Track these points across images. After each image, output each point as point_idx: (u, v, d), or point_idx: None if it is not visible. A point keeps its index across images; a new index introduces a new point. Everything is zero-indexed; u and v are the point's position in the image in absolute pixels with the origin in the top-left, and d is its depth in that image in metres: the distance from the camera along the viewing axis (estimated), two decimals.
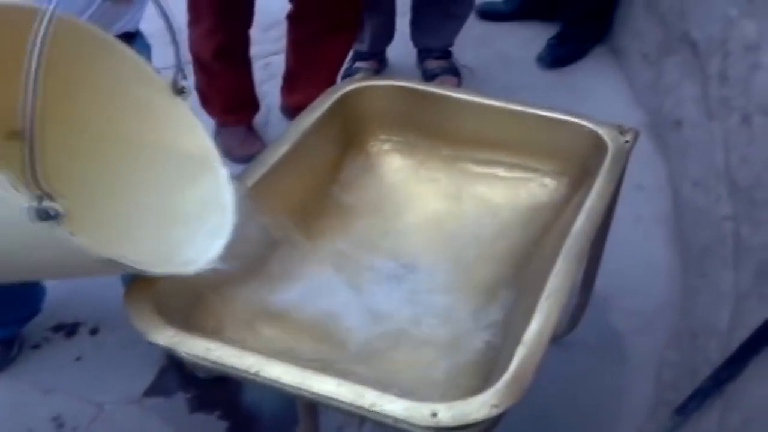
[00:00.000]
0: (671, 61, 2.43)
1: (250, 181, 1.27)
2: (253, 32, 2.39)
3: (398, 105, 1.51)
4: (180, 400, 1.79)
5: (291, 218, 1.35)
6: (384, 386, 1.04)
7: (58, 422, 1.75)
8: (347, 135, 1.51)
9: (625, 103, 2.67)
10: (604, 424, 1.70)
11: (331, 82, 2.39)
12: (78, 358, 1.90)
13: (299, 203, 1.39)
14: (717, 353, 1.43)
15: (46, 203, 0.82)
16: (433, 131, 1.51)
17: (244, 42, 2.36)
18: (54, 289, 1.97)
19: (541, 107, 1.44)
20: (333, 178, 1.47)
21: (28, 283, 1.72)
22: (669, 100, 2.40)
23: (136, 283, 1.05)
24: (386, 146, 1.53)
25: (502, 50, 3.02)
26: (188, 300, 1.13)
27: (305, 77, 2.43)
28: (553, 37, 2.95)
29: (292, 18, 2.38)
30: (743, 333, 1.31)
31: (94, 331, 1.95)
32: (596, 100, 2.68)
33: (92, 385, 1.83)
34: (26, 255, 0.95)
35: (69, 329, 1.96)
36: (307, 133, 1.39)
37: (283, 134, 1.39)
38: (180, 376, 1.81)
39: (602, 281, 1.74)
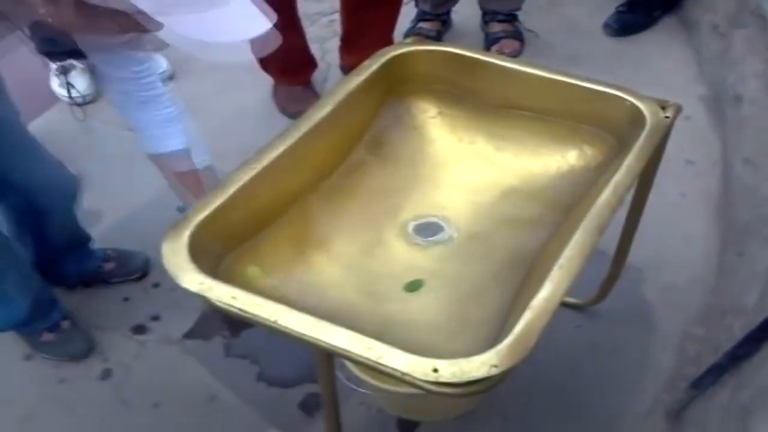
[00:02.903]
0: (740, 34, 2.38)
1: (294, 137, 1.33)
2: None
3: (444, 70, 1.54)
4: (217, 343, 1.90)
5: (330, 172, 1.43)
6: (398, 333, 1.14)
7: (103, 357, 1.89)
8: (392, 97, 1.55)
9: (689, 76, 2.64)
10: (623, 393, 1.73)
11: (386, 42, 2.43)
12: (126, 299, 2.02)
13: (339, 158, 1.45)
14: (741, 331, 1.44)
15: None
16: (477, 97, 1.54)
17: (292, 4, 2.39)
18: (109, 231, 2.13)
19: (584, 78, 1.44)
20: (374, 138, 1.51)
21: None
22: (732, 74, 2.36)
23: (173, 229, 1.13)
24: (429, 110, 1.56)
25: (570, 16, 3.00)
26: (222, 246, 1.20)
27: (360, 38, 2.47)
28: (623, 5, 2.91)
29: None
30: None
31: (143, 275, 2.07)
32: (659, 71, 2.65)
33: (137, 325, 1.96)
34: None
35: None
36: (352, 93, 1.44)
37: (328, 93, 1.44)
38: (220, 321, 1.91)
39: (639, 254, 1.76)
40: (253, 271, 1.22)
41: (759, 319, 1.34)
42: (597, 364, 1.79)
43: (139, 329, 1.94)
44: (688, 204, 2.18)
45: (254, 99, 2.64)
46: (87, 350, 1.88)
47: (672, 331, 1.85)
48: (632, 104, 1.37)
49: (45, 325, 1.85)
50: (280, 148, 1.29)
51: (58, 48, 2.62)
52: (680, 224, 2.11)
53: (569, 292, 1.07)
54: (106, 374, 1.85)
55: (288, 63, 2.54)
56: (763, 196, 1.82)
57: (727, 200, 2.10)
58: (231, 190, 1.23)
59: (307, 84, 2.61)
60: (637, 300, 1.92)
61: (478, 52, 1.53)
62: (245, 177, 1.25)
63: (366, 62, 1.50)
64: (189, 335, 1.92)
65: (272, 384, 1.80)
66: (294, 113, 2.40)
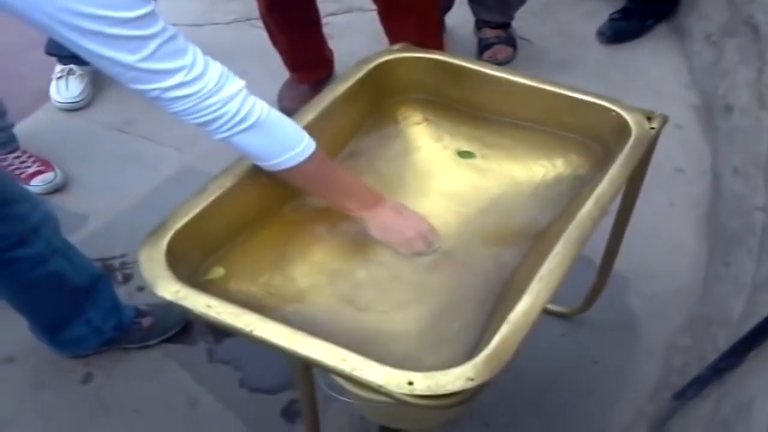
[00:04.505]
0: (732, 43, 2.38)
1: None
2: None
3: (430, 77, 1.54)
4: (200, 348, 1.88)
5: None
6: (378, 343, 1.14)
7: (85, 360, 1.87)
8: (377, 105, 1.55)
9: (681, 85, 2.63)
10: (607, 403, 1.72)
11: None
12: None
13: None
14: (725, 343, 1.44)
15: None
16: (463, 105, 1.53)
17: (295, 1, 2.37)
18: (94, 234, 2.12)
19: (570, 88, 1.44)
20: (360, 145, 1.51)
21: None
22: (724, 83, 2.35)
23: (151, 236, 1.12)
24: (415, 117, 1.56)
25: (564, 23, 2.99)
26: (201, 252, 1.20)
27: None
28: (616, 12, 2.91)
29: None
30: (751, 325, 1.31)
31: (127, 278, 2.06)
32: (651, 79, 2.65)
33: None
34: None
35: None
36: (337, 100, 1.44)
37: (314, 100, 1.43)
38: (204, 326, 1.90)
39: (626, 262, 1.76)
40: (217, 270, 1.21)
41: (743, 331, 1.34)
42: (581, 374, 1.78)
43: None
44: (677, 212, 2.17)
45: None
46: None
47: (658, 340, 1.84)
48: (618, 114, 1.36)
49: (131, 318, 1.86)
50: None
51: (64, 51, 2.61)
52: (668, 233, 2.10)
53: (550, 302, 1.06)
54: (87, 378, 1.83)
55: (292, 60, 2.55)
56: (752, 206, 1.81)
57: (716, 210, 2.09)
58: (212, 196, 1.22)
59: (316, 84, 2.56)
60: (623, 309, 1.91)
61: (464, 60, 1.52)
62: (227, 183, 1.25)
63: (350, 70, 1.49)
64: (173, 340, 1.90)
65: (254, 390, 1.79)
66: (284, 109, 2.37)
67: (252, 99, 1.16)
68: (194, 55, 1.08)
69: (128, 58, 1.01)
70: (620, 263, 1.69)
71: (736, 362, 1.32)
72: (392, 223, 1.34)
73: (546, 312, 1.82)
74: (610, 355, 1.82)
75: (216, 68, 1.11)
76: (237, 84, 1.13)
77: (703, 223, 2.12)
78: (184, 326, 1.90)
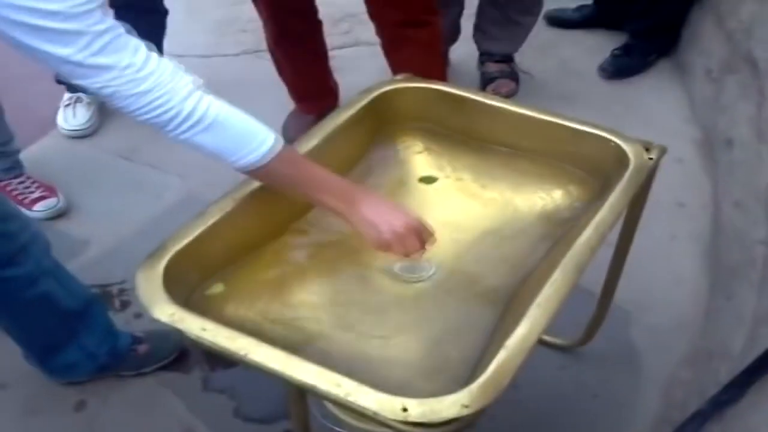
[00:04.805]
0: (732, 79, 2.40)
1: None
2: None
3: (433, 107, 1.55)
4: (195, 377, 1.87)
5: (314, 206, 1.41)
6: (375, 370, 1.14)
7: (79, 387, 1.85)
8: (379, 133, 1.56)
9: (681, 120, 2.64)
10: None
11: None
12: None
13: None
14: (726, 376, 1.42)
15: None
16: (464, 134, 1.54)
17: (303, 33, 2.40)
18: (93, 260, 2.11)
19: (570, 118, 1.45)
20: (360, 172, 1.51)
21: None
22: (724, 118, 2.36)
23: (149, 259, 1.12)
24: (417, 146, 1.57)
25: (565, 58, 3.02)
26: (198, 276, 1.20)
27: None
28: (618, 48, 2.93)
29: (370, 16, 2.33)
30: (752, 358, 1.31)
31: (124, 305, 2.05)
32: (652, 114, 2.66)
33: None
34: None
35: None
36: (340, 127, 1.45)
37: (316, 127, 1.45)
38: (200, 354, 1.89)
39: (627, 295, 1.76)
40: (217, 286, 1.21)
41: (744, 365, 1.33)
42: (580, 407, 1.76)
43: None
44: (678, 245, 2.17)
45: None
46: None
47: (658, 374, 1.83)
48: (617, 145, 1.37)
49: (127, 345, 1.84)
50: None
51: None
52: (670, 266, 2.10)
53: (547, 331, 1.06)
54: (81, 406, 1.81)
55: (299, 91, 2.57)
56: (752, 239, 1.81)
57: (717, 242, 2.09)
58: (212, 219, 1.22)
59: (320, 116, 2.56)
60: (623, 341, 1.90)
61: (466, 91, 1.53)
62: (227, 207, 1.25)
63: (354, 98, 1.50)
64: (167, 368, 1.88)
65: (249, 420, 1.76)
66: (293, 140, 2.39)
67: (207, 98, 1.12)
68: (142, 52, 1.06)
69: (65, 51, 1.00)
70: (622, 296, 1.69)
71: (738, 395, 1.30)
72: (376, 218, 1.25)
73: (545, 344, 1.83)
74: (610, 388, 1.80)
75: (167, 66, 1.08)
76: (191, 82, 1.10)
77: (705, 256, 2.11)
78: (180, 354, 1.89)
